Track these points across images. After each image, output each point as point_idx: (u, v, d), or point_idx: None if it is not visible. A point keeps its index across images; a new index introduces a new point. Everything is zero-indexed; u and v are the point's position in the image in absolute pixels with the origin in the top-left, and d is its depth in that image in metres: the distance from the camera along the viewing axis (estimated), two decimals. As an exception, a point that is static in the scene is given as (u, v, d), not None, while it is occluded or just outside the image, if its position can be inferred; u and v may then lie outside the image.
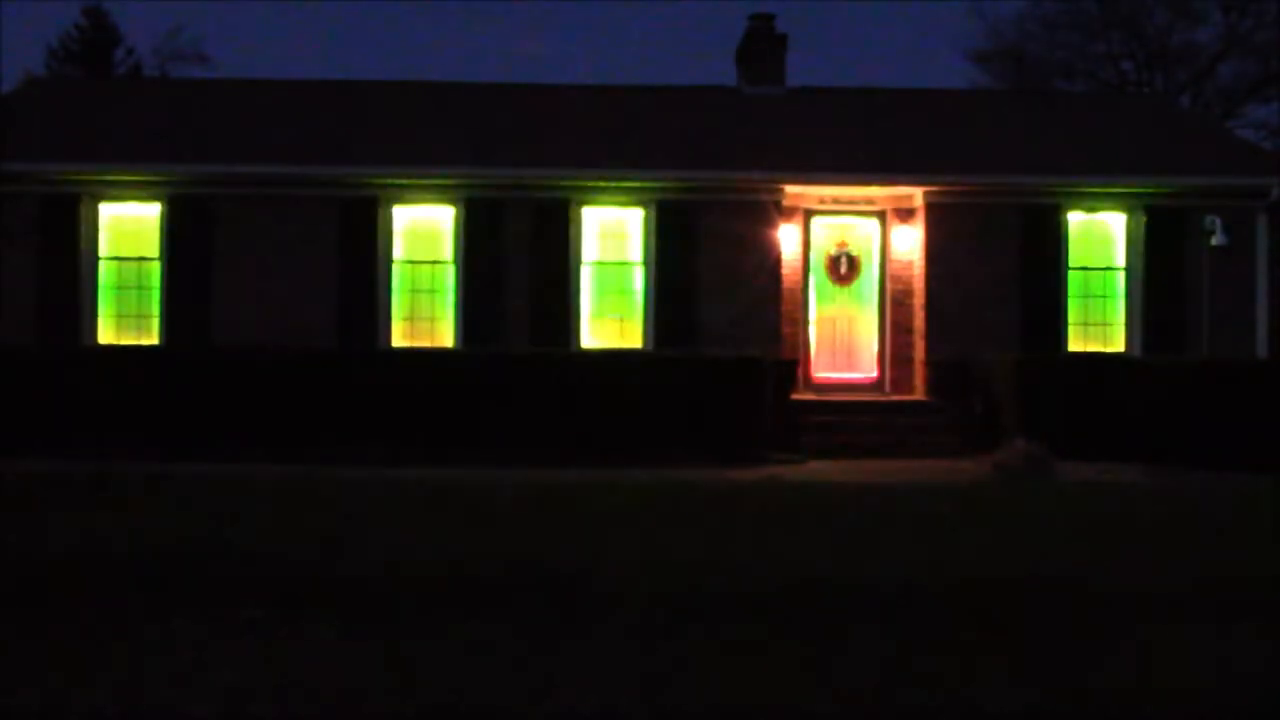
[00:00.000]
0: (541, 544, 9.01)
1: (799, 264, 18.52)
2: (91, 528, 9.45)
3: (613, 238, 18.32)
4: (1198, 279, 18.13)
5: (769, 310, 18.00)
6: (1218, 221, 17.98)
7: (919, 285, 18.38)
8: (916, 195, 18.42)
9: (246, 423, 15.54)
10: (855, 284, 18.79)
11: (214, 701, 5.26)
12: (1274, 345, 18.58)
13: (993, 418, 16.51)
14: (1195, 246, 18.17)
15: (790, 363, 17.81)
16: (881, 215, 18.75)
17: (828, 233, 18.81)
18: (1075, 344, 18.22)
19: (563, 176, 18.11)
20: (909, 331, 18.48)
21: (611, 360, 16.92)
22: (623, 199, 18.26)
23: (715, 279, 17.98)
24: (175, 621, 6.52)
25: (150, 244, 18.07)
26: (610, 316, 18.26)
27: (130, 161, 18.18)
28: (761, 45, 21.76)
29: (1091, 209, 18.40)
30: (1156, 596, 7.46)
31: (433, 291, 18.17)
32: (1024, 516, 10.82)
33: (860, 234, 18.84)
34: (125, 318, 18.01)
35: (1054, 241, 18.25)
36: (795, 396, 17.54)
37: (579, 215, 18.17)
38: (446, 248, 18.20)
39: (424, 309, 18.16)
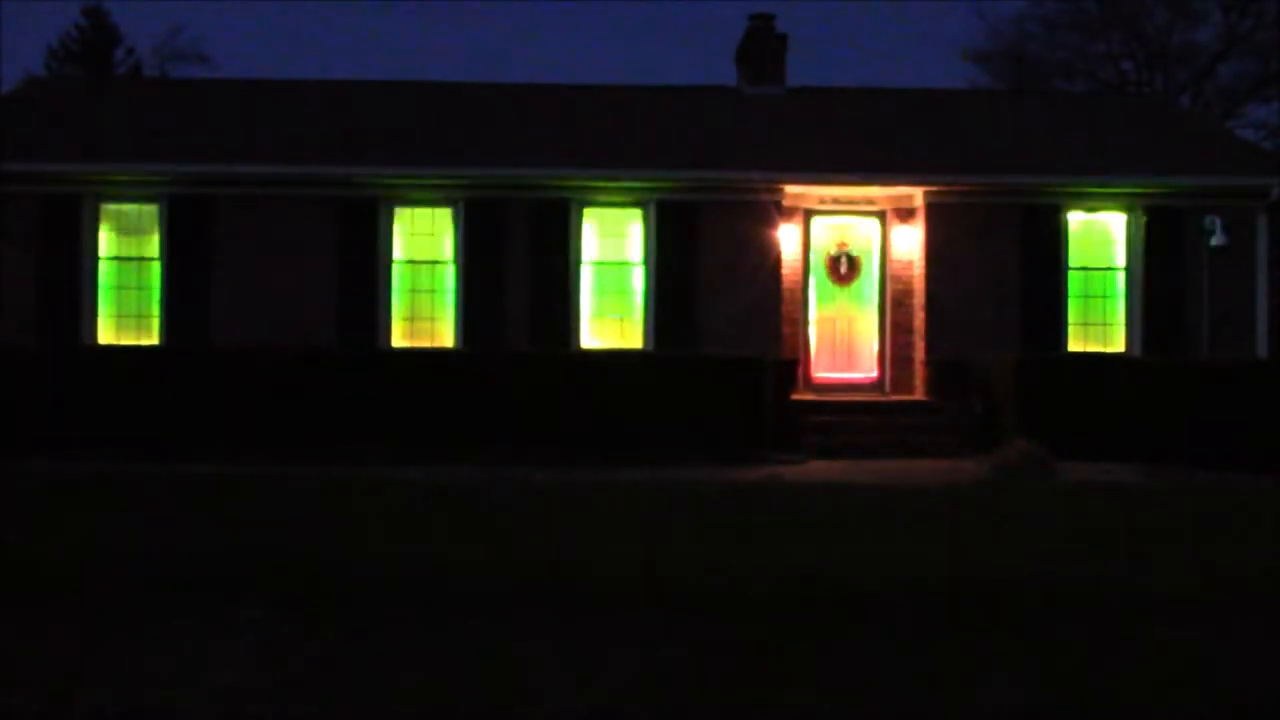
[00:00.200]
0: (542, 544, 9.01)
1: (799, 264, 18.52)
2: (92, 528, 9.45)
3: (613, 238, 18.32)
4: (1198, 279, 18.13)
5: (769, 310, 18.00)
6: (1218, 221, 17.98)
7: (919, 285, 18.38)
8: (916, 195, 18.42)
9: (246, 423, 15.54)
10: (855, 284, 18.79)
11: (214, 701, 5.26)
12: (1274, 345, 18.60)
13: (993, 418, 16.51)
14: (1195, 246, 18.17)
15: (790, 363, 17.81)
16: (881, 215, 18.75)
17: (828, 233, 18.81)
18: (1075, 344, 18.22)
19: (563, 176, 18.11)
20: (909, 331, 18.48)
21: (611, 360, 16.92)
22: (623, 199, 18.26)
23: (715, 279, 17.98)
24: (175, 621, 6.52)
25: (150, 244, 18.07)
26: (610, 316, 18.25)
27: (130, 161, 18.19)
28: (761, 45, 21.77)
29: (1091, 209, 18.40)
30: (1157, 596, 7.46)
31: (433, 291, 18.17)
32: (1024, 516, 10.81)
33: (860, 234, 18.84)
34: (125, 318, 18.01)
35: (1054, 241, 18.25)
36: (795, 396, 17.54)
37: (579, 215, 18.17)
38: (446, 248, 18.19)
39: (424, 309, 18.16)
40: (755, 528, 10.01)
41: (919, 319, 18.34)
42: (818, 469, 14.90)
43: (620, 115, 20.46)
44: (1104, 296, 18.38)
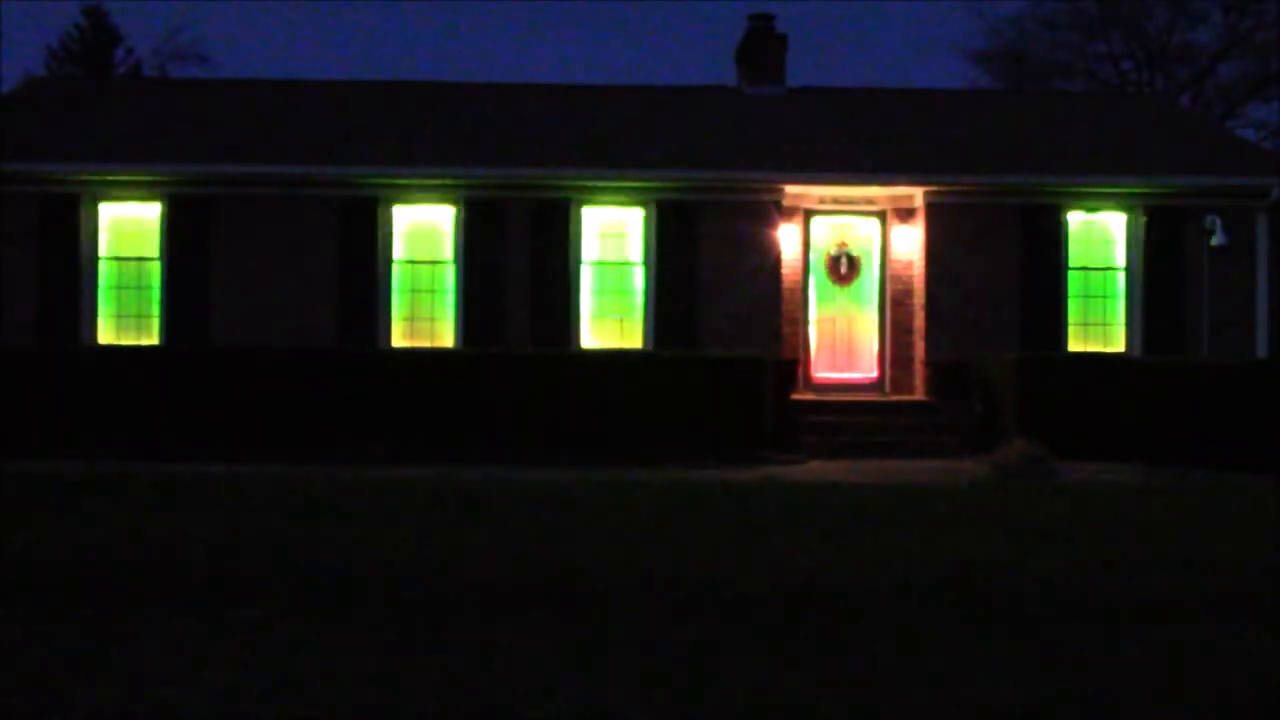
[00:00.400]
0: (542, 543, 9.01)
1: (799, 264, 18.52)
2: (91, 528, 9.45)
3: (613, 238, 18.32)
4: (1198, 279, 18.14)
5: (769, 310, 18.00)
6: (1218, 221, 17.99)
7: (919, 285, 18.39)
8: (916, 195, 18.42)
9: (246, 422, 15.55)
10: (855, 284, 18.80)
11: (214, 701, 5.26)
12: (1274, 345, 18.58)
13: (992, 418, 16.52)
14: (1195, 247, 18.18)
15: (790, 363, 17.82)
16: (881, 215, 18.75)
17: (828, 233, 18.82)
18: (1075, 344, 18.22)
19: (563, 176, 18.12)
20: (909, 331, 18.49)
21: (611, 360, 16.92)
22: (623, 199, 18.27)
23: (715, 279, 17.99)
24: (175, 621, 6.52)
25: (150, 244, 18.08)
26: (610, 316, 18.25)
27: (130, 161, 18.19)
28: (761, 45, 21.79)
29: (1091, 209, 18.40)
30: (1157, 596, 7.47)
31: (433, 291, 18.17)
32: (1024, 516, 10.81)
33: (860, 234, 18.85)
34: (125, 318, 18.02)
35: (1054, 241, 18.26)
36: (795, 396, 17.56)
37: (579, 215, 18.17)
38: (446, 248, 18.20)
39: (424, 309, 18.16)
40: (755, 528, 10.01)
41: (919, 319, 18.35)
42: (817, 469, 14.90)
43: (620, 115, 20.46)
44: (1104, 296, 18.39)
